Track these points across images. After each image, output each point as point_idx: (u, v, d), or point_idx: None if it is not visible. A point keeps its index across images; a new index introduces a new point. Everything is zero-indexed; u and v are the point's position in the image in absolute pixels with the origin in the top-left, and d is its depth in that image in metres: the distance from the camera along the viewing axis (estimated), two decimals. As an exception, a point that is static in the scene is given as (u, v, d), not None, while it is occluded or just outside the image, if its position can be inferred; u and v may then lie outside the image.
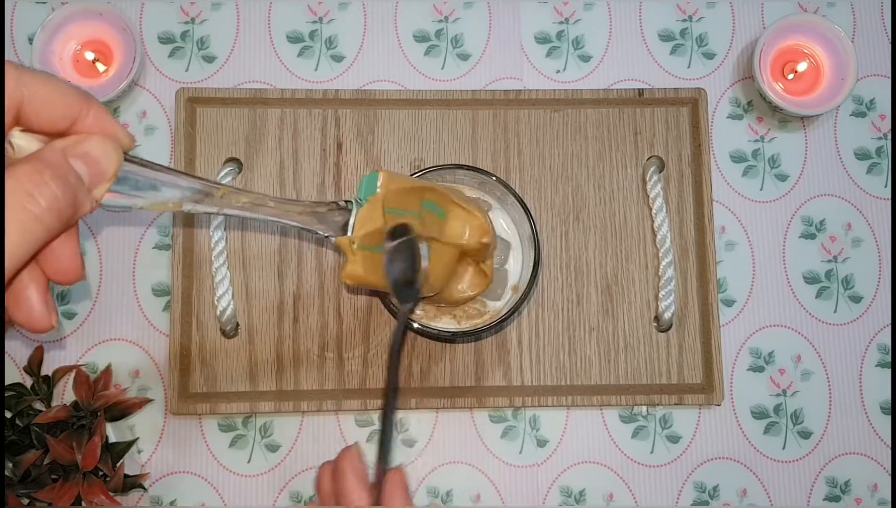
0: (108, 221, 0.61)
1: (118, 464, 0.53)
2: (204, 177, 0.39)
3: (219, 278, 0.58)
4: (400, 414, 0.59)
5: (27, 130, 0.29)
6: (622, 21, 0.65)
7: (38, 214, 0.27)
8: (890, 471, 0.60)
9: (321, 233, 0.45)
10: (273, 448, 0.59)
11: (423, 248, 0.50)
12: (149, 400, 0.57)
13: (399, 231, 0.48)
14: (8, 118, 0.28)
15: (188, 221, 0.59)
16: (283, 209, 0.42)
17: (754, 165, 0.64)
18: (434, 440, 0.59)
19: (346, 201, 0.46)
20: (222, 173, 0.59)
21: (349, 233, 0.45)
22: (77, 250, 0.31)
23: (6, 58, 0.62)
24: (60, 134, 0.30)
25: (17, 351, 0.59)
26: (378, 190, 0.46)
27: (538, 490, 0.59)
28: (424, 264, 0.49)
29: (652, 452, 0.60)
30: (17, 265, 0.27)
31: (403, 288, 0.48)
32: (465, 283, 0.55)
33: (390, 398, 0.42)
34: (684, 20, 0.65)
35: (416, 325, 0.54)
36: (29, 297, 0.30)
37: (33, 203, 0.27)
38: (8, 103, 0.28)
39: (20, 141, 0.29)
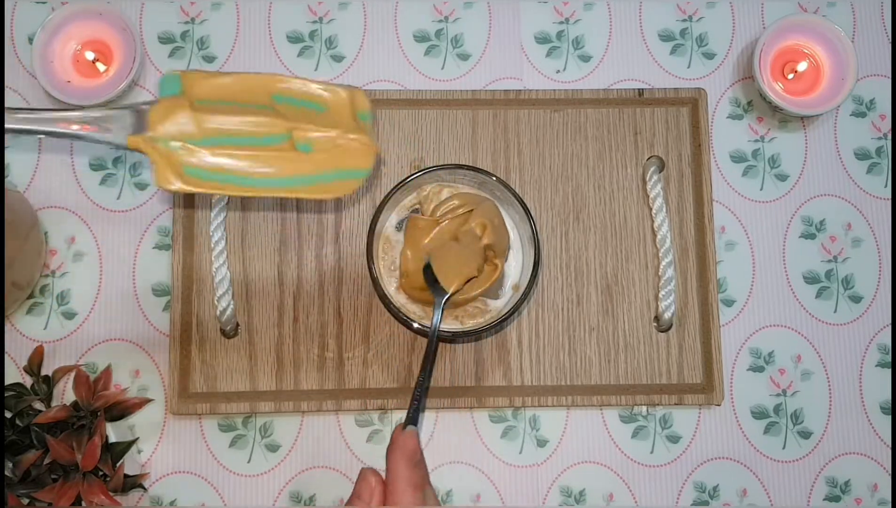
0: (108, 221, 0.61)
1: (118, 464, 0.53)
2: None
3: (219, 278, 0.58)
4: (400, 414, 0.59)
5: None
6: (622, 21, 0.65)
7: None
8: (890, 471, 0.60)
9: (112, 142, 0.42)
10: (273, 448, 0.59)
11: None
12: (149, 400, 0.57)
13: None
14: None
15: (188, 221, 0.59)
16: (59, 117, 0.39)
17: (754, 165, 0.64)
18: (434, 440, 0.59)
19: (131, 104, 0.43)
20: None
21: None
22: None
23: (6, 57, 0.62)
24: None
25: (18, 351, 0.59)
26: (179, 91, 0.44)
27: (538, 490, 0.59)
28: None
29: (652, 452, 0.60)
30: None
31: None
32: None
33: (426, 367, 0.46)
34: (684, 20, 0.65)
35: (415, 325, 0.54)
36: None
37: None
38: None
39: None
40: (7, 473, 0.52)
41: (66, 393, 0.58)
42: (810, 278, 0.62)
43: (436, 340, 0.51)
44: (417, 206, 0.58)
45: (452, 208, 0.56)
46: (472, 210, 0.55)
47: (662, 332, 0.60)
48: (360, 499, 0.43)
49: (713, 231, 0.60)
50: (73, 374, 0.56)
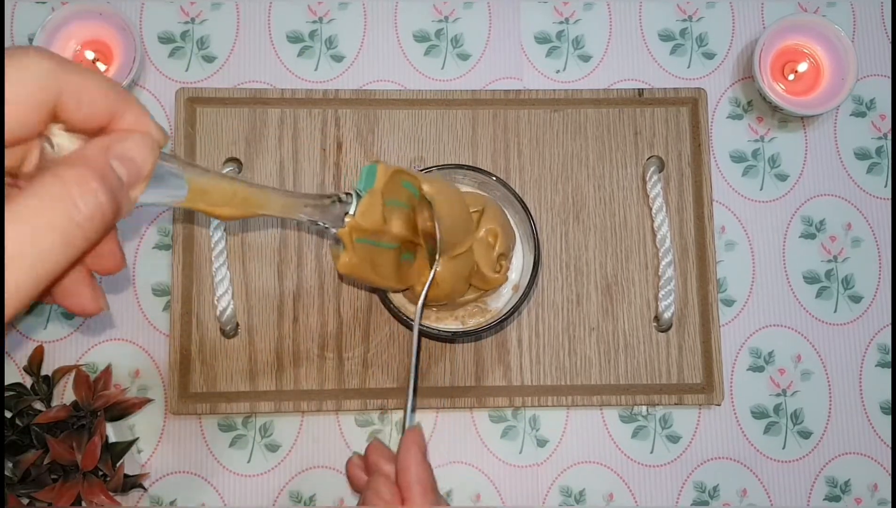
0: (108, 221, 0.61)
1: (118, 464, 0.53)
2: (222, 173, 0.38)
3: (219, 278, 0.58)
4: (400, 414, 0.59)
5: (66, 127, 0.28)
6: (622, 21, 0.65)
7: (80, 221, 0.25)
8: (890, 471, 0.60)
9: (323, 225, 0.44)
10: (273, 448, 0.59)
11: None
12: (149, 400, 0.57)
13: None
14: (43, 114, 0.26)
15: (188, 220, 0.59)
16: (292, 201, 0.42)
17: (754, 165, 0.64)
18: (434, 441, 0.59)
19: (346, 194, 0.46)
20: (223, 172, 0.59)
21: (343, 224, 0.45)
22: (116, 245, 0.31)
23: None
24: (96, 132, 0.29)
25: (18, 351, 0.58)
26: (376, 182, 0.46)
27: (538, 490, 0.59)
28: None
29: (652, 452, 0.60)
30: (59, 272, 0.25)
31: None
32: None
33: (414, 371, 0.46)
34: (684, 20, 0.65)
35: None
36: (78, 290, 0.30)
37: (77, 211, 0.25)
38: (44, 96, 0.26)
39: (61, 140, 0.27)
40: (7, 473, 0.52)
41: (66, 393, 0.58)
42: (810, 278, 0.62)
43: (418, 333, 0.50)
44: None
45: None
46: (479, 210, 0.55)
47: (662, 332, 0.60)
48: (380, 497, 0.41)
49: (713, 231, 0.60)
50: (73, 374, 0.56)
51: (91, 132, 0.28)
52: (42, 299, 0.29)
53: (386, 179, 0.46)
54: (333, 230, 0.45)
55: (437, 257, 0.50)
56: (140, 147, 0.28)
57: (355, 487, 0.45)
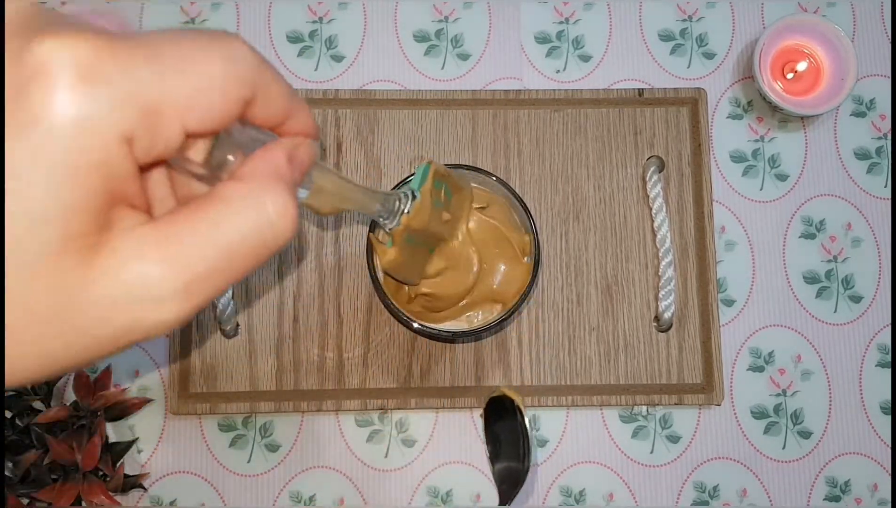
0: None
1: (118, 464, 0.53)
2: (330, 168, 0.37)
3: (219, 278, 0.58)
4: (400, 414, 0.59)
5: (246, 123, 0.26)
6: (622, 21, 0.65)
7: (270, 234, 0.23)
8: (890, 471, 0.60)
9: (384, 221, 0.45)
10: (273, 448, 0.59)
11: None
12: (149, 400, 0.57)
13: (499, 405, 0.48)
14: (238, 109, 0.23)
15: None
16: (371, 197, 0.42)
17: (754, 165, 0.64)
18: (434, 440, 0.59)
19: (409, 192, 0.46)
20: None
21: (398, 222, 0.46)
22: None
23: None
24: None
25: (17, 351, 0.58)
26: (427, 181, 0.47)
27: (538, 489, 0.59)
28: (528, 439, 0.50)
29: (652, 452, 0.60)
30: (240, 278, 0.23)
31: (506, 485, 0.48)
32: (501, 276, 0.55)
33: None
34: (684, 20, 0.65)
35: (415, 325, 0.54)
36: None
37: (270, 225, 0.23)
38: (245, 92, 0.23)
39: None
40: (7, 473, 0.52)
41: (66, 393, 0.58)
42: (810, 278, 0.62)
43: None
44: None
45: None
46: (483, 206, 0.55)
47: (662, 332, 0.60)
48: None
49: (713, 231, 0.60)
50: (73, 374, 0.56)
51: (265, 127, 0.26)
52: None
53: (431, 181, 0.47)
54: (390, 227, 0.46)
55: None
56: (310, 156, 0.27)
57: None
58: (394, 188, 0.54)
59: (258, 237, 0.23)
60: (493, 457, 0.49)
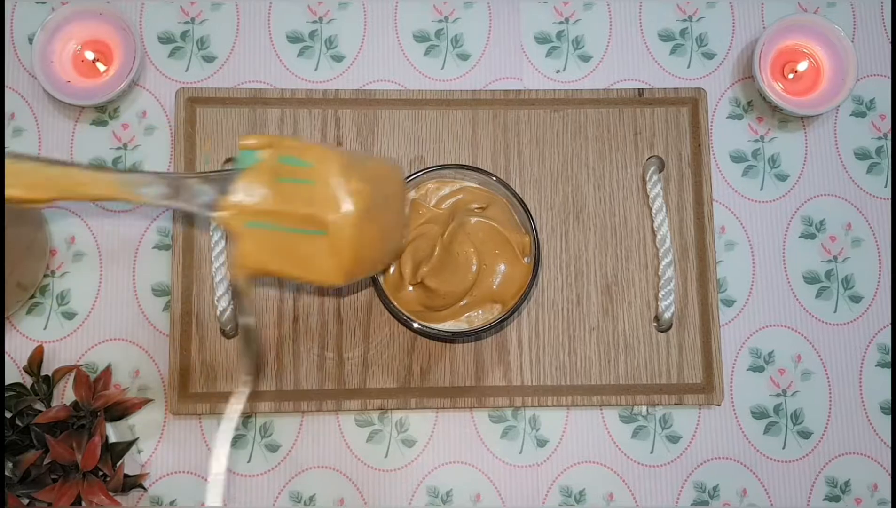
0: (109, 221, 0.61)
1: (118, 464, 0.53)
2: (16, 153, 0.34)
3: (219, 278, 0.58)
4: (400, 414, 0.59)
5: None
6: (622, 21, 0.65)
7: None
8: (890, 471, 0.60)
9: (192, 209, 0.39)
10: (273, 448, 0.59)
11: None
12: (149, 400, 0.57)
13: None
14: None
15: (188, 221, 0.59)
16: (124, 179, 0.37)
17: (754, 165, 0.64)
18: (434, 440, 0.59)
19: (213, 171, 0.40)
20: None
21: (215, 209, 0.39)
22: None
23: (6, 57, 0.62)
24: None
25: (18, 351, 0.59)
26: (260, 157, 0.41)
27: (538, 490, 0.59)
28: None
29: (652, 452, 0.60)
30: None
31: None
32: (501, 277, 0.55)
33: None
34: (684, 20, 0.65)
35: (415, 325, 0.54)
36: None
37: None
38: None
39: None
40: (7, 473, 0.51)
41: (66, 393, 0.58)
42: (810, 278, 0.62)
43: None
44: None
45: (462, 203, 0.56)
46: (483, 207, 0.55)
47: (662, 332, 0.60)
48: None
49: (713, 231, 0.60)
50: (73, 374, 0.56)
51: None
52: None
53: (268, 156, 0.41)
54: (210, 216, 0.39)
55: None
56: None
57: None
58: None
59: None
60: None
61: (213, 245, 0.58)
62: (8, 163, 0.32)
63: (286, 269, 0.42)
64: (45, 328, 0.59)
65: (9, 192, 0.33)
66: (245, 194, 0.39)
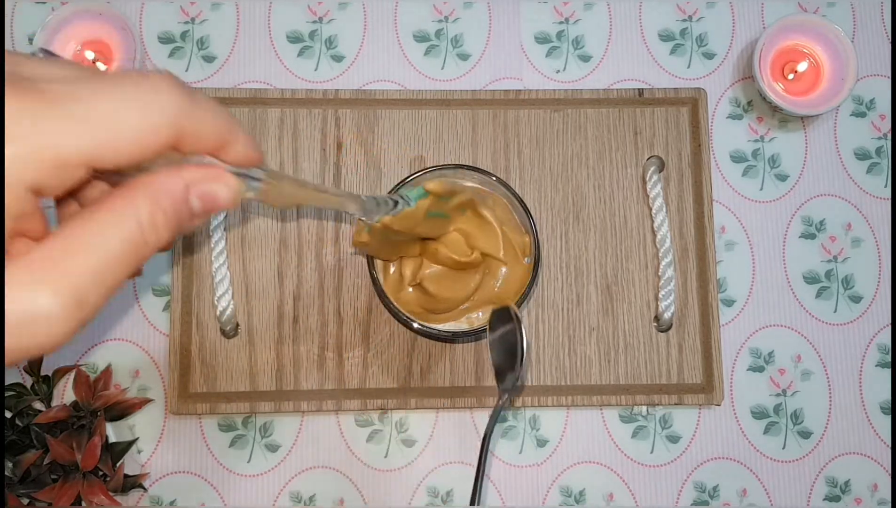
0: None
1: (118, 464, 0.53)
2: (291, 176, 0.37)
3: (219, 278, 0.58)
4: (400, 414, 0.59)
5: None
6: (622, 21, 0.65)
7: (139, 242, 0.25)
8: (890, 471, 0.60)
9: (369, 220, 0.46)
10: (273, 448, 0.59)
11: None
12: (149, 400, 0.57)
13: (502, 314, 0.51)
14: (160, 149, 0.25)
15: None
16: (347, 202, 0.43)
17: (754, 165, 0.64)
18: (434, 440, 0.59)
19: (398, 199, 0.48)
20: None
21: (377, 220, 0.47)
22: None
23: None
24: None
25: (17, 351, 0.58)
26: (427, 198, 0.49)
27: (538, 490, 0.59)
28: (524, 349, 0.50)
29: (652, 452, 0.60)
30: (114, 291, 0.25)
31: (504, 372, 0.51)
32: (502, 278, 0.56)
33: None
34: (684, 20, 0.65)
35: (416, 325, 0.54)
36: None
37: (140, 232, 0.25)
38: (169, 135, 0.25)
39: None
40: (7, 473, 0.51)
41: (66, 393, 0.58)
42: (810, 278, 0.62)
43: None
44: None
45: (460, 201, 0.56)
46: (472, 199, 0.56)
47: (662, 332, 0.60)
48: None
49: (713, 231, 0.60)
50: (73, 374, 0.56)
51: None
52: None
53: (433, 199, 0.49)
54: (371, 222, 0.47)
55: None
56: (227, 193, 0.28)
57: None
58: (394, 188, 0.54)
59: (136, 240, 0.25)
60: (495, 357, 0.52)
61: (213, 245, 0.58)
62: (281, 182, 0.34)
63: (380, 253, 0.53)
64: (45, 328, 0.59)
65: (275, 204, 0.36)
66: (399, 221, 0.47)
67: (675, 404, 0.59)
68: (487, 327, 0.53)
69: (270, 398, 0.57)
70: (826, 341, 0.62)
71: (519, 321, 0.50)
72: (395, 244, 0.52)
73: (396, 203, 0.47)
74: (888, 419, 0.61)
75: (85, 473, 0.52)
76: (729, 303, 0.62)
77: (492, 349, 0.53)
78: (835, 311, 0.62)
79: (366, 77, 0.64)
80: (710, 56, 0.65)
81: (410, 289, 0.55)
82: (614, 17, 0.65)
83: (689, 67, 0.65)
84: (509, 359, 0.50)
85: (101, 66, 0.61)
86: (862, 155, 0.64)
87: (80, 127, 0.23)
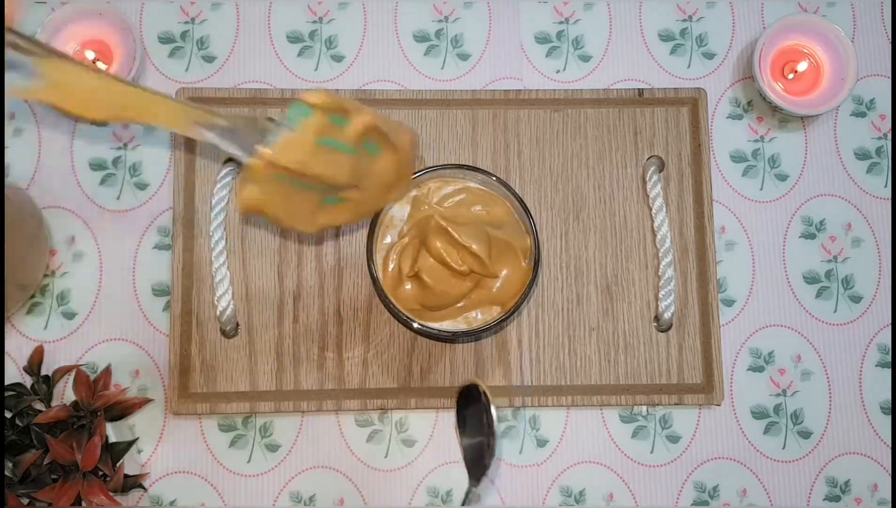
0: (108, 221, 0.61)
1: (118, 464, 0.53)
2: (89, 65, 0.33)
3: (219, 278, 0.58)
4: (400, 414, 0.59)
5: None
6: (622, 21, 0.65)
7: None
8: (890, 471, 0.60)
9: (234, 153, 0.40)
10: (273, 448, 0.59)
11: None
12: (149, 400, 0.57)
13: (471, 394, 0.47)
14: None
15: (188, 221, 0.59)
16: (184, 111, 0.38)
17: (754, 165, 0.64)
18: (434, 440, 0.59)
19: (269, 119, 0.41)
20: (222, 173, 0.59)
21: (250, 153, 0.40)
22: None
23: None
24: None
25: (18, 351, 0.59)
26: (311, 116, 0.42)
27: (538, 490, 0.59)
28: (494, 434, 0.47)
29: (652, 452, 0.60)
30: None
31: (474, 464, 0.49)
32: (502, 280, 0.55)
33: None
34: (684, 20, 0.65)
35: (415, 325, 0.54)
36: None
37: None
38: None
39: None
40: (7, 473, 0.52)
41: (66, 393, 0.58)
42: (810, 278, 0.62)
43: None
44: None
45: (462, 203, 0.56)
46: (489, 209, 0.56)
47: (662, 332, 0.60)
48: None
49: (713, 231, 0.60)
50: (73, 374, 0.56)
51: None
52: None
53: (320, 118, 0.42)
54: (243, 160, 0.40)
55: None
56: None
57: None
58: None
59: None
60: (464, 439, 0.50)
61: (213, 245, 0.58)
62: (78, 70, 0.31)
63: (275, 212, 0.44)
64: (45, 328, 0.59)
65: (78, 109, 0.32)
66: (282, 151, 0.40)
67: (675, 404, 0.59)
68: (455, 407, 0.51)
69: (270, 398, 0.57)
70: (826, 341, 0.62)
71: (489, 400, 0.48)
72: (297, 200, 0.43)
73: (273, 122, 0.40)
74: (888, 419, 0.61)
75: (85, 473, 0.52)
76: (729, 303, 0.62)
77: (461, 431, 0.51)
78: (835, 311, 0.62)
79: (366, 77, 0.64)
80: (710, 56, 0.65)
81: (409, 286, 0.55)
82: (614, 17, 0.65)
83: (689, 67, 0.65)
84: (478, 445, 0.49)
85: (101, 66, 0.61)
86: (862, 155, 0.64)
87: None
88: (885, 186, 0.64)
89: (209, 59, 0.63)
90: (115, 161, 0.61)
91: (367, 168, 0.47)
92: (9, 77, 0.28)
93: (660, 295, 0.59)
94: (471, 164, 0.60)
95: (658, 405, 0.59)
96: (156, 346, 0.59)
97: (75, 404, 0.54)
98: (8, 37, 0.27)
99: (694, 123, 0.62)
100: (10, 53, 0.28)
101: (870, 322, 0.62)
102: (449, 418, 0.60)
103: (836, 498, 0.60)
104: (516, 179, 0.61)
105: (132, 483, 0.55)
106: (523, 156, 0.62)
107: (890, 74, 0.65)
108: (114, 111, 0.34)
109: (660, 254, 0.60)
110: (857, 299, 0.62)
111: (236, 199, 0.42)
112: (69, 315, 0.59)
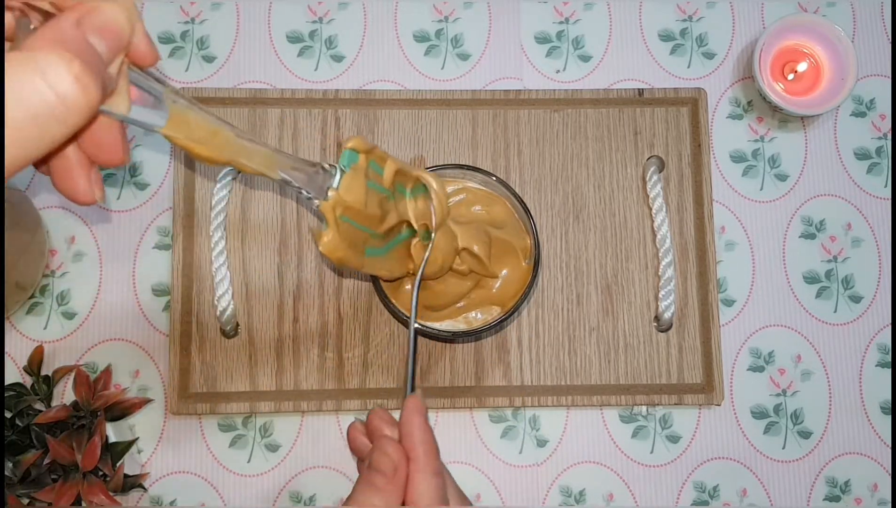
0: (108, 221, 0.61)
1: (118, 464, 0.53)
2: (208, 110, 0.35)
3: (219, 278, 0.58)
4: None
5: None
6: (622, 21, 0.65)
7: (56, 105, 0.22)
8: (890, 471, 0.60)
9: (307, 194, 0.43)
10: (273, 448, 0.59)
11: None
12: (149, 400, 0.57)
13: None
14: None
15: (188, 221, 0.59)
16: (276, 157, 0.40)
17: (754, 165, 0.64)
18: (434, 440, 0.59)
19: (330, 165, 0.44)
20: (223, 173, 0.59)
21: (326, 195, 0.43)
22: (120, 137, 0.28)
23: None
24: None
25: (18, 351, 0.59)
26: (359, 159, 0.45)
27: (538, 490, 0.59)
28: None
29: (652, 452, 0.60)
30: (35, 159, 0.23)
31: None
32: (502, 280, 0.56)
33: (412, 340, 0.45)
34: (684, 20, 0.65)
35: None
36: (72, 176, 0.28)
37: (52, 95, 0.22)
38: None
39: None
40: (7, 473, 0.52)
41: (66, 393, 0.58)
42: (810, 278, 0.62)
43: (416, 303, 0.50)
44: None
45: (464, 203, 0.56)
46: (489, 209, 0.56)
47: (662, 332, 0.60)
48: (380, 473, 0.37)
49: (713, 231, 0.60)
50: (73, 374, 0.56)
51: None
52: (38, 168, 0.28)
53: (364, 161, 0.45)
54: (316, 202, 0.43)
55: (433, 233, 0.50)
56: (118, 14, 0.26)
57: (356, 451, 0.43)
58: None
59: (41, 104, 0.22)
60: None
61: (213, 245, 0.58)
62: (189, 109, 0.32)
63: (355, 259, 0.47)
64: (45, 328, 0.59)
65: (196, 148, 0.34)
66: (346, 190, 0.44)
67: (675, 404, 0.59)
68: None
69: (270, 398, 0.57)
70: (826, 341, 0.62)
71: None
72: (357, 242, 0.46)
73: (333, 168, 0.43)
74: (888, 419, 0.61)
75: (85, 473, 0.52)
76: (729, 303, 0.62)
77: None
78: (835, 311, 0.62)
79: (366, 77, 0.64)
80: (710, 56, 0.65)
81: (409, 286, 0.55)
82: (614, 17, 0.65)
83: (689, 66, 0.65)
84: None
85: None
86: (862, 155, 0.64)
87: None
88: (885, 187, 0.64)
89: (209, 59, 0.63)
90: (115, 161, 0.61)
91: (405, 211, 0.50)
92: (149, 113, 0.30)
93: (660, 295, 0.59)
94: (471, 164, 0.60)
95: (658, 405, 0.59)
96: (156, 346, 0.59)
97: (75, 404, 0.54)
98: (153, 79, 0.30)
99: (694, 123, 0.62)
100: (152, 88, 0.30)
101: (870, 322, 0.62)
102: (449, 418, 0.60)
103: (836, 498, 0.60)
104: (516, 179, 0.61)
105: (132, 483, 0.55)
106: (523, 156, 0.61)
107: (890, 74, 0.65)
108: (221, 154, 0.36)
109: (660, 254, 0.60)
110: (857, 299, 0.62)
111: (318, 243, 0.44)
112: (69, 315, 0.59)
